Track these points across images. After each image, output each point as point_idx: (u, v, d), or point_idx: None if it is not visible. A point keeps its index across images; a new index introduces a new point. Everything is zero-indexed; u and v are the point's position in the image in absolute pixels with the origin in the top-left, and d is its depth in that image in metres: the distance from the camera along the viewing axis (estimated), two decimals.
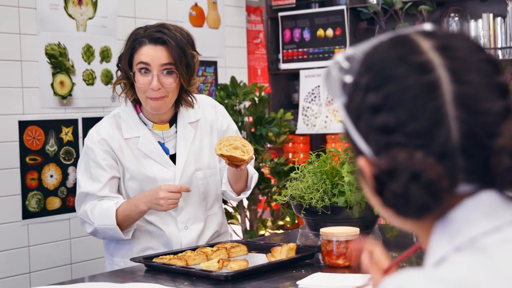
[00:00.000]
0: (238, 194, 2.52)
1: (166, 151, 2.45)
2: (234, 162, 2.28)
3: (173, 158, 2.45)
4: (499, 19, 4.20)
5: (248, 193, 2.54)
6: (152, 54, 2.34)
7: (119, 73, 2.44)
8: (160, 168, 2.41)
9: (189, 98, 2.45)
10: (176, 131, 2.46)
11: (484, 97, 0.82)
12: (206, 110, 2.54)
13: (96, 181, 2.37)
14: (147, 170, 2.39)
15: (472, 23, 4.28)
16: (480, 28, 4.23)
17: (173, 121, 2.47)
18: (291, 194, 2.31)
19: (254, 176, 2.52)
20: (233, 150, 2.26)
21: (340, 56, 0.91)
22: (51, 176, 3.44)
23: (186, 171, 2.44)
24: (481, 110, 0.82)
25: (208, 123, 2.52)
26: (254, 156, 2.43)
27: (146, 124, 2.44)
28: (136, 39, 2.37)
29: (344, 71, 0.89)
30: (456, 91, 0.82)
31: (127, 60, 2.37)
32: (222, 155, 2.25)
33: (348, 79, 0.88)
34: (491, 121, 0.82)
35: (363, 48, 0.90)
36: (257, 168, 3.87)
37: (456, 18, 4.41)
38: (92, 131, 2.45)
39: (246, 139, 3.88)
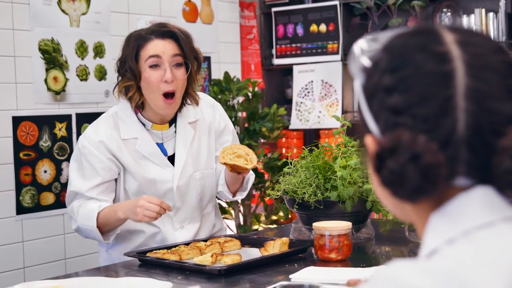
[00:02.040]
0: (234, 195, 2.52)
1: (165, 152, 2.42)
2: (236, 170, 2.29)
3: (171, 158, 2.42)
4: (491, 14, 4.21)
5: (244, 194, 2.52)
6: (162, 47, 2.30)
7: (119, 78, 2.37)
8: (159, 170, 2.39)
9: (195, 94, 2.43)
10: (175, 131, 2.43)
11: (496, 97, 0.84)
12: (204, 109, 2.51)
13: (87, 181, 2.34)
14: (146, 172, 2.37)
15: (465, 18, 4.30)
16: (473, 24, 4.24)
17: (172, 120, 2.44)
18: (284, 189, 2.32)
19: (250, 178, 2.50)
20: (237, 158, 2.26)
21: (365, 39, 0.95)
22: (45, 171, 3.44)
23: (184, 172, 2.41)
24: (491, 108, 0.83)
25: (207, 123, 2.50)
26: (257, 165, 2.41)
27: (144, 125, 2.40)
28: (140, 37, 2.31)
29: (366, 53, 0.93)
30: (470, 85, 0.83)
31: (133, 59, 2.30)
32: (225, 164, 2.26)
33: (368, 61, 0.92)
34: (500, 120, 0.84)
35: (387, 34, 0.93)
36: None
37: (449, 14, 4.43)
38: (89, 131, 2.39)
39: (239, 135, 3.90)
